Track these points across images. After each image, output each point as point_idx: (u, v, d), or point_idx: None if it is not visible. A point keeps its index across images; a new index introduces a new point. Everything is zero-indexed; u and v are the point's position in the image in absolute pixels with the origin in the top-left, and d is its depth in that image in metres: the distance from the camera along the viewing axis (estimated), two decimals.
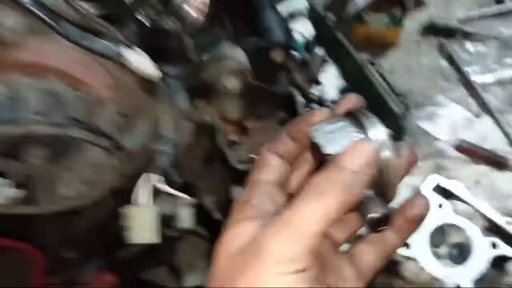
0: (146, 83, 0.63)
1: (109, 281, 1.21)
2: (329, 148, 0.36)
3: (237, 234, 0.36)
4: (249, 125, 1.35)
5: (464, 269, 0.94)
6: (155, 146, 0.60)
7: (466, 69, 1.53)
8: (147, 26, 0.67)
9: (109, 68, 0.62)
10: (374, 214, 0.34)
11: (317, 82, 1.49)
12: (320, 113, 0.39)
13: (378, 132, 0.35)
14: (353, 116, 0.36)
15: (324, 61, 1.49)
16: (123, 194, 0.69)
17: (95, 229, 1.16)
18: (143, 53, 0.58)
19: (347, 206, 0.34)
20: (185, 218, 0.64)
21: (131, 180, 0.67)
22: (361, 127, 0.35)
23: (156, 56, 0.70)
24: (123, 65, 0.61)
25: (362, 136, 0.35)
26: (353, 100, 0.40)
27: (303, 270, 0.33)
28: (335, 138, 0.35)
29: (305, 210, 0.33)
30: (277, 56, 0.72)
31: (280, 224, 0.34)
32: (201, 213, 1.35)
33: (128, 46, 0.58)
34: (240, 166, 1.23)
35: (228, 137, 1.34)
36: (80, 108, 0.53)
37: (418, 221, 0.40)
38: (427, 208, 0.40)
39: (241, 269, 0.33)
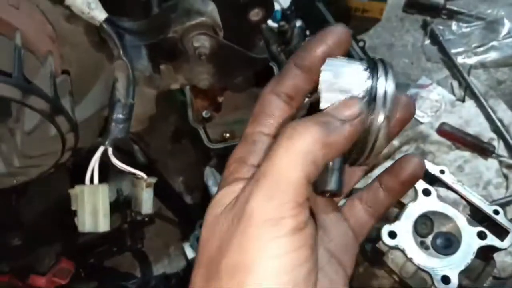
0: (98, 37, 0.52)
1: (66, 269, 1.11)
2: (326, 97, 0.32)
3: (225, 197, 0.31)
4: (222, 100, 1.26)
5: (451, 260, 0.88)
6: (108, 113, 0.49)
7: (450, 49, 1.47)
8: None
9: (52, 17, 0.51)
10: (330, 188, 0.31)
11: None
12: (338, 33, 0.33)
13: (388, 85, 0.31)
14: (372, 61, 0.32)
15: (305, 34, 1.39)
16: (78, 172, 0.58)
17: (48, 212, 1.05)
18: None
19: (327, 150, 0.29)
20: (145, 202, 0.54)
21: (84, 155, 0.56)
22: (374, 73, 0.32)
23: (111, 7, 0.58)
24: (69, 14, 0.49)
25: (368, 84, 0.31)
26: (339, 32, 0.33)
27: (296, 230, 0.28)
28: (340, 83, 0.31)
29: (281, 156, 0.28)
30: (255, 15, 0.61)
31: (259, 178, 0.29)
32: (169, 196, 1.26)
33: None
34: (212, 146, 1.13)
35: (199, 113, 1.24)
36: (9, 58, 0.41)
37: (410, 182, 0.37)
38: (421, 167, 0.37)
39: (226, 241, 0.28)
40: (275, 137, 0.33)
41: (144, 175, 0.54)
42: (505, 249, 0.94)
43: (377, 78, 0.31)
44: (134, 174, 0.54)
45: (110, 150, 0.47)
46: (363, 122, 0.31)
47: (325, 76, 0.32)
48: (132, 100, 0.48)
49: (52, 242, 1.12)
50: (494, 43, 1.49)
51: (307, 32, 1.44)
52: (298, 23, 1.40)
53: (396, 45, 1.52)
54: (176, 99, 1.30)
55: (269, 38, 1.22)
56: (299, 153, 0.28)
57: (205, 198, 1.17)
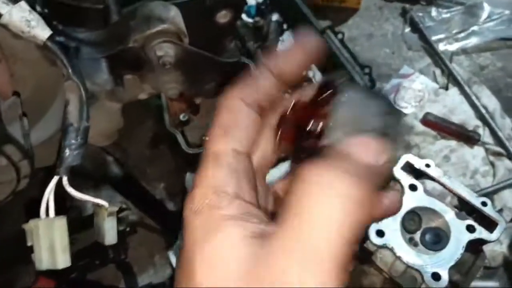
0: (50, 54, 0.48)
1: (46, 286, 1.07)
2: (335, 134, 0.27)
3: (205, 234, 0.25)
4: (200, 102, 1.22)
5: (441, 255, 0.86)
6: (61, 139, 0.45)
7: (431, 37, 1.45)
8: None
9: None
10: None
11: None
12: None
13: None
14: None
15: (282, 29, 1.35)
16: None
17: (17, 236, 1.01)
18: (31, 9, 0.42)
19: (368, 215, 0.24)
20: (108, 232, 0.50)
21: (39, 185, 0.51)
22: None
23: (65, 17, 0.54)
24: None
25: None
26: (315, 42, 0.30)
27: None
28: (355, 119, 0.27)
29: (314, 222, 0.23)
30: (223, 17, 0.57)
31: (290, 244, 0.22)
32: (150, 204, 1.22)
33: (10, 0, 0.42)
34: (191, 150, 1.09)
35: (176, 117, 1.20)
36: None
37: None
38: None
39: None
40: (249, 156, 0.29)
41: (106, 204, 0.50)
42: (494, 241, 0.92)
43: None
44: (93, 202, 0.50)
45: (65, 180, 0.43)
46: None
47: (341, 111, 0.27)
48: (87, 122, 0.44)
49: (29, 259, 1.08)
50: (475, 28, 1.47)
51: (284, 26, 1.40)
52: (275, 17, 1.36)
53: (376, 35, 1.49)
54: (152, 103, 1.25)
55: (245, 34, 1.18)
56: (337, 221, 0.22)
57: None
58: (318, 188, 0.23)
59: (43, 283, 1.03)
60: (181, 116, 1.17)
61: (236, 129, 0.28)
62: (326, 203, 0.23)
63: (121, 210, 1.32)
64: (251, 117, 0.29)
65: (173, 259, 1.11)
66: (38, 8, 0.51)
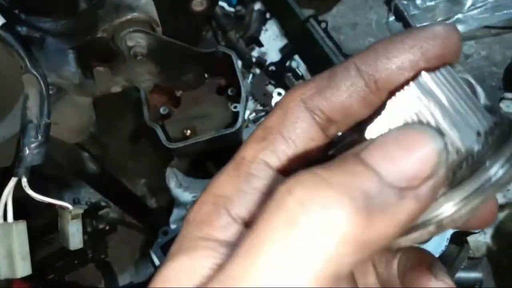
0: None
1: None
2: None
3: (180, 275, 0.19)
4: (181, 94, 1.18)
5: (425, 248, 0.84)
6: (20, 137, 0.41)
7: (416, 25, 1.43)
8: None
9: None
10: None
11: (258, 43, 1.33)
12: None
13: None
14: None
15: (265, 18, 1.32)
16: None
17: None
18: None
19: (362, 253, 0.17)
20: (72, 235, 0.46)
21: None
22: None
23: (29, 4, 0.49)
24: None
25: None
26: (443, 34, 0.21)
27: None
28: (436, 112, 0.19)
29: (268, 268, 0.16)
30: (198, 5, 0.53)
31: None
32: (130, 201, 1.18)
33: None
34: (171, 145, 1.06)
35: (157, 110, 1.16)
36: None
37: None
38: None
39: None
40: (285, 173, 0.21)
41: (70, 206, 0.46)
42: (478, 232, 0.92)
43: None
44: (56, 205, 0.46)
45: (24, 181, 0.39)
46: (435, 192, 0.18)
47: (413, 92, 0.20)
48: (48, 119, 0.40)
49: None
50: (459, 16, 1.45)
51: (267, 15, 1.37)
52: (257, 6, 1.32)
53: (360, 23, 1.46)
54: (131, 96, 1.21)
55: (226, 24, 1.14)
56: (309, 265, 0.15)
57: (170, 200, 1.10)
58: (284, 213, 0.16)
59: (18, 286, 0.98)
60: (161, 109, 1.12)
61: (279, 138, 0.21)
62: (290, 239, 0.16)
63: (100, 207, 1.28)
64: (306, 129, 0.21)
65: (154, 258, 1.07)
66: None
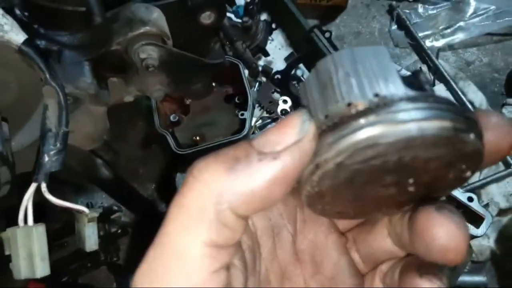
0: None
1: None
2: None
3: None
4: (190, 102, 1.22)
5: None
6: (40, 145, 0.45)
7: (418, 33, 1.46)
8: None
9: None
10: None
11: (264, 53, 1.37)
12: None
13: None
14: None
15: (271, 28, 1.36)
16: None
17: None
18: (4, 13, 0.42)
19: (246, 203, 0.22)
20: (88, 238, 0.50)
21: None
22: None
23: (47, 19, 0.54)
24: None
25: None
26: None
27: None
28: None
29: (175, 224, 0.24)
30: (206, 18, 0.58)
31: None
32: (141, 205, 1.22)
33: None
34: (180, 151, 1.10)
35: (167, 118, 1.20)
36: None
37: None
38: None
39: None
40: None
41: (86, 210, 0.50)
42: (481, 236, 0.93)
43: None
44: (73, 209, 0.50)
45: (43, 186, 0.43)
46: (306, 153, 0.22)
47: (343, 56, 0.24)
48: (66, 128, 0.44)
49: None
50: (461, 23, 1.48)
51: (273, 26, 1.41)
52: (263, 17, 1.36)
53: (363, 32, 1.50)
54: (142, 104, 1.26)
55: (233, 35, 1.18)
56: (197, 210, 0.22)
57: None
58: (189, 180, 0.23)
59: (33, 287, 1.03)
60: (171, 117, 1.17)
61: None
62: (186, 203, 0.23)
63: (112, 212, 1.32)
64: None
65: None
66: (18, 11, 0.51)
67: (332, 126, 0.22)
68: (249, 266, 0.27)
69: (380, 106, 0.21)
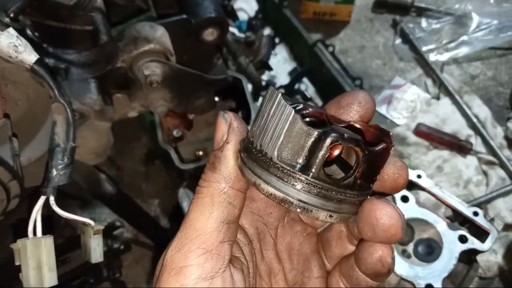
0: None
1: None
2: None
3: None
4: (193, 117, 1.22)
5: (434, 267, 0.86)
6: (48, 159, 0.45)
7: (422, 47, 1.46)
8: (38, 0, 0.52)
9: None
10: None
11: (268, 67, 1.37)
12: None
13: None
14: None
15: (274, 43, 1.37)
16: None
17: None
18: (18, 35, 0.43)
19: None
20: (94, 250, 0.50)
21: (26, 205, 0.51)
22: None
23: (55, 38, 0.54)
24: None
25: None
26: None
27: (202, 279, 0.31)
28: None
29: (193, 205, 0.33)
30: (209, 35, 0.58)
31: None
32: (144, 221, 1.22)
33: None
34: (184, 166, 1.09)
35: (170, 133, 1.20)
36: None
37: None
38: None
39: None
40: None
41: (92, 222, 0.50)
42: (487, 250, 0.92)
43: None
44: (80, 221, 0.50)
45: (52, 199, 0.43)
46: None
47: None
48: (73, 143, 0.44)
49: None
50: (464, 37, 1.48)
51: (277, 40, 1.42)
52: (266, 31, 1.37)
53: (367, 46, 1.50)
54: (145, 120, 1.26)
55: (236, 50, 1.19)
56: (208, 196, 0.31)
57: (182, 220, 1.13)
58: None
59: None
60: (174, 132, 1.17)
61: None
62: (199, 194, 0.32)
63: (115, 228, 1.30)
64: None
65: None
66: (29, 32, 0.52)
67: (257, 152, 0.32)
68: (248, 257, 0.35)
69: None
